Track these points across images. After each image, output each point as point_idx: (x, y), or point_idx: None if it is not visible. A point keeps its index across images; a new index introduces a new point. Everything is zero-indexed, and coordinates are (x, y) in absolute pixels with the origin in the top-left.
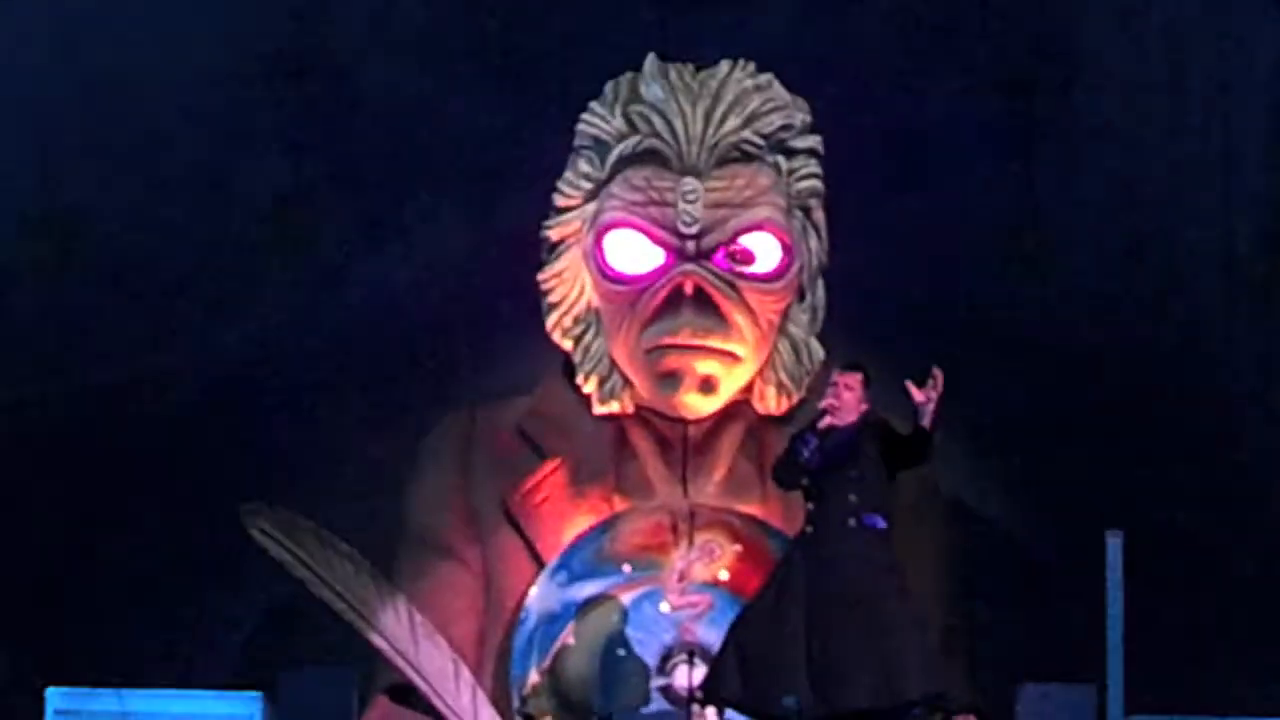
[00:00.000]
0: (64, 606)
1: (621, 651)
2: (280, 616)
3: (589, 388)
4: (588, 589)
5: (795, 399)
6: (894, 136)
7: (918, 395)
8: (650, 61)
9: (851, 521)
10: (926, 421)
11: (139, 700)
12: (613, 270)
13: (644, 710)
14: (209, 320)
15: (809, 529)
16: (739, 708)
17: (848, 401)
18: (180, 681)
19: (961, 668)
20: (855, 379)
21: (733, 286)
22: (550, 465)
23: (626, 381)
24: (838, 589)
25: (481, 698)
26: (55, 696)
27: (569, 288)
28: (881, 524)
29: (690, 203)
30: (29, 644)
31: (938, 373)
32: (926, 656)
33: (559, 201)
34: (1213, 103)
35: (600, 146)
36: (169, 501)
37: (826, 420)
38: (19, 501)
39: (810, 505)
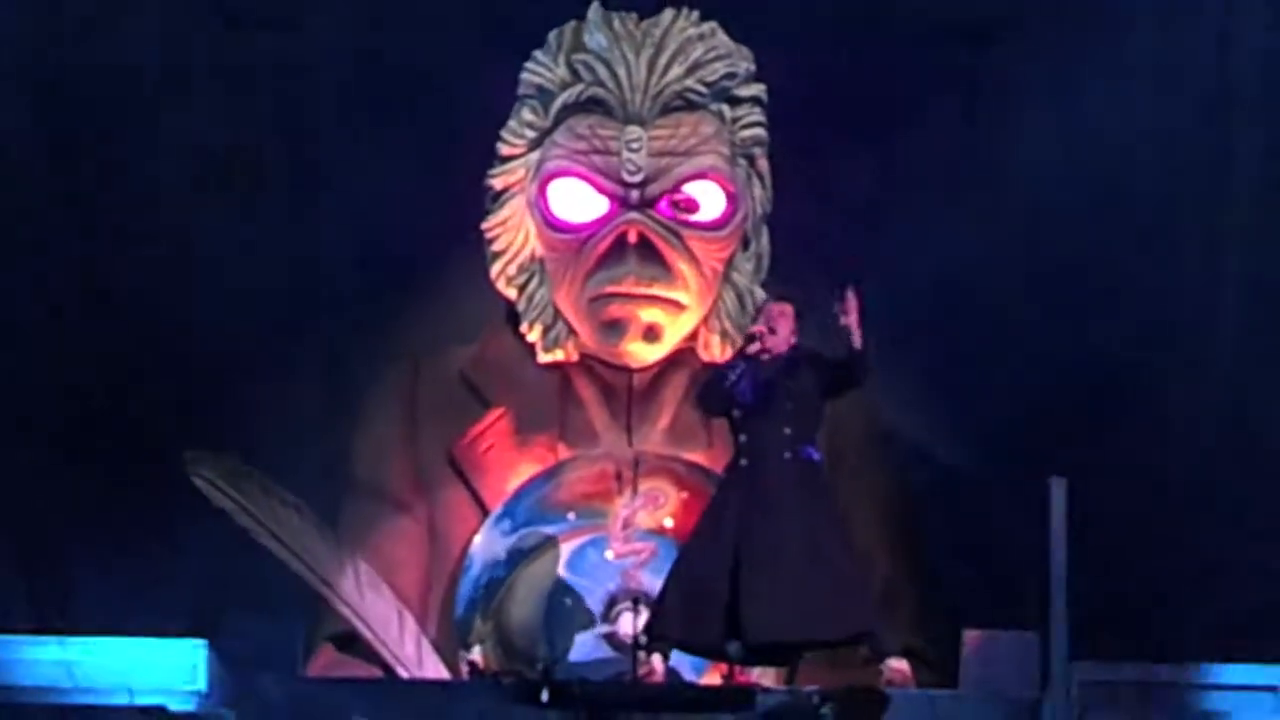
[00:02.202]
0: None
1: (565, 599)
2: (224, 564)
3: (533, 336)
4: (531, 537)
5: (739, 347)
6: (838, 85)
7: (842, 319)
8: (594, 10)
9: (787, 454)
10: (856, 341)
11: (80, 648)
12: (556, 219)
13: (588, 657)
14: (153, 267)
15: (743, 462)
16: (683, 648)
17: (780, 329)
18: (123, 629)
19: (905, 612)
20: (788, 308)
21: (677, 235)
22: (494, 414)
23: (571, 330)
24: (774, 521)
25: (426, 646)
26: None
27: (513, 236)
28: (816, 456)
29: (634, 151)
30: None
31: (849, 293)
32: (860, 594)
33: (503, 150)
34: (1164, 51)
35: (544, 95)
36: (112, 449)
37: (755, 346)
38: None
39: (743, 437)
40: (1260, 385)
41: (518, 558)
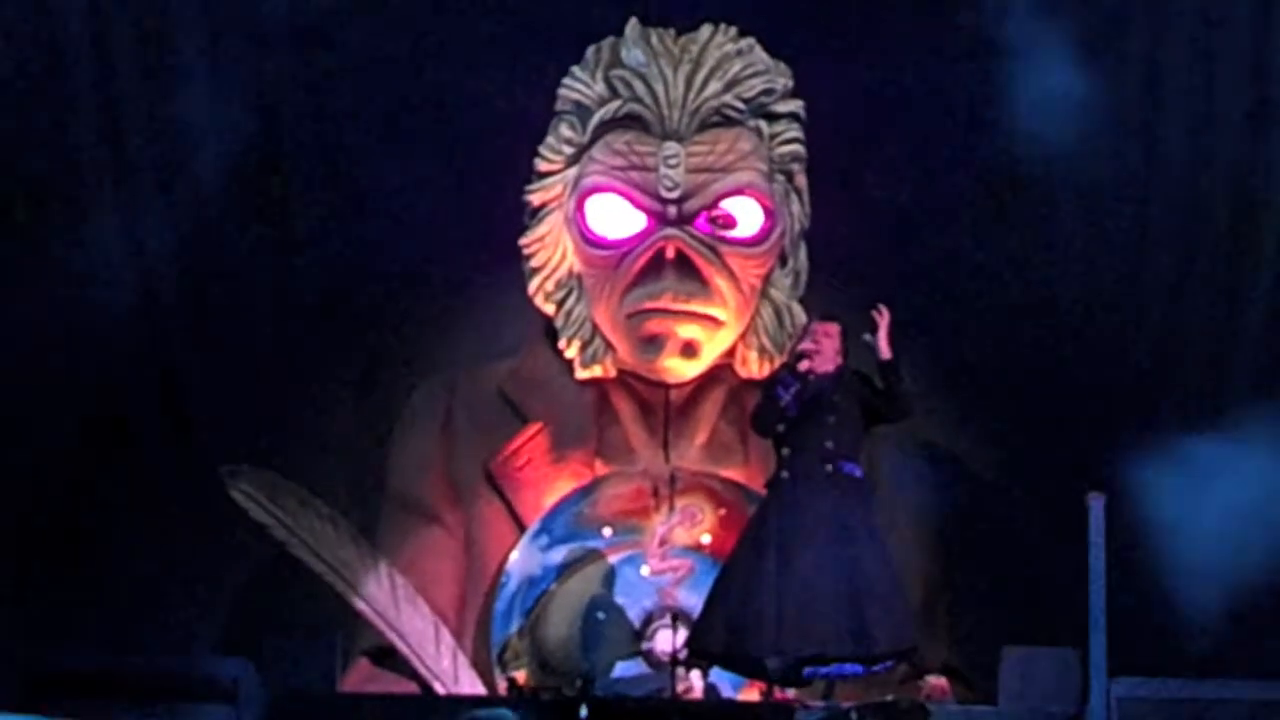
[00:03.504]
0: (43, 569)
1: (602, 615)
2: (264, 580)
3: (571, 352)
4: (568, 553)
5: (777, 363)
6: (873, 100)
7: (870, 339)
8: (632, 26)
9: (829, 468)
10: (884, 354)
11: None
12: (594, 235)
13: (626, 674)
14: (195, 282)
15: (784, 475)
16: (723, 664)
17: (825, 349)
18: (165, 647)
19: (940, 628)
20: (834, 329)
21: (714, 251)
22: (532, 429)
23: (608, 346)
24: (813, 534)
25: (462, 661)
26: None
27: (551, 252)
28: (858, 472)
29: (672, 167)
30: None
31: (882, 308)
32: (900, 610)
33: (540, 166)
34: (1190, 64)
35: (582, 111)
36: (148, 463)
37: (804, 364)
38: None
39: (785, 451)
40: None
41: (554, 574)
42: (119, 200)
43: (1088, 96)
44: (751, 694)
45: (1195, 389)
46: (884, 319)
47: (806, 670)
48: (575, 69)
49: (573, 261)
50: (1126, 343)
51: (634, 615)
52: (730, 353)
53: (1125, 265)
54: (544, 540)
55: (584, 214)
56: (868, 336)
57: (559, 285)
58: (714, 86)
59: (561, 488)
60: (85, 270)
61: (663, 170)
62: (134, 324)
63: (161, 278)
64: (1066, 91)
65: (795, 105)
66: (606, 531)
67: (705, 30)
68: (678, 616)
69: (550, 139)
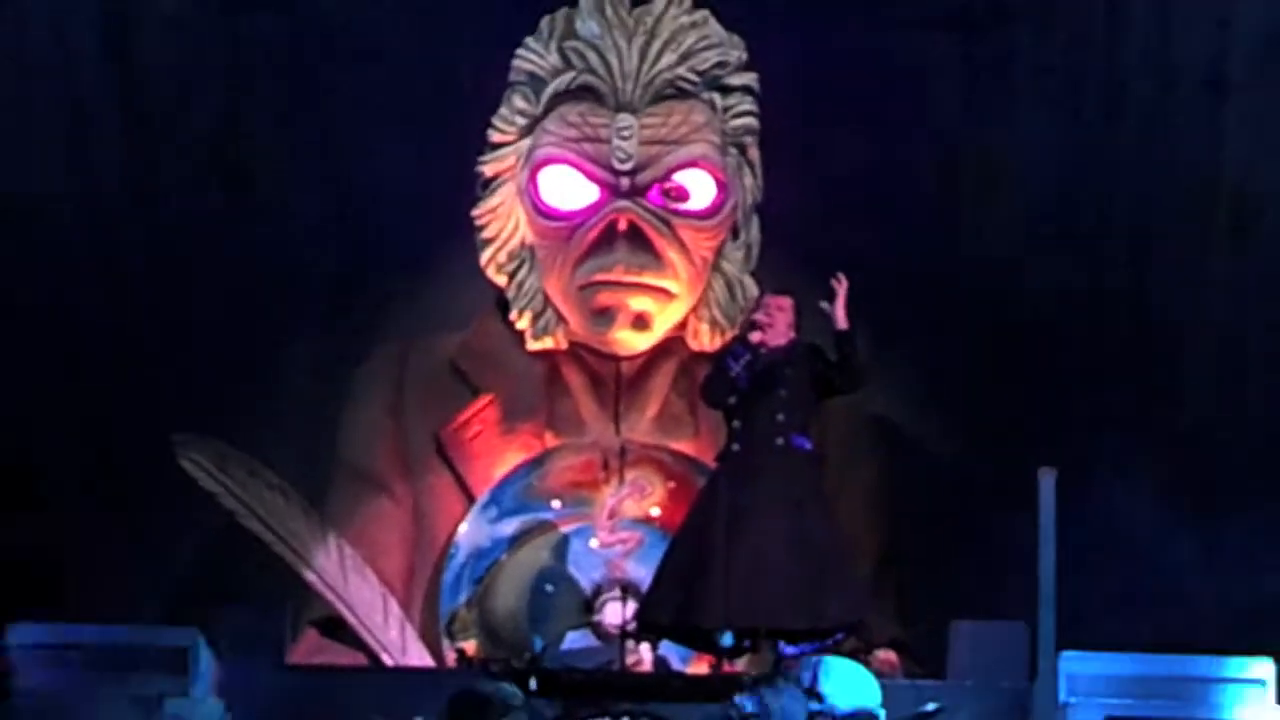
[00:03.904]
0: None
1: (550, 587)
2: (213, 550)
3: (522, 324)
4: (517, 525)
5: (729, 336)
6: (830, 73)
7: (826, 307)
8: None
9: (779, 440)
10: (840, 324)
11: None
12: (547, 206)
13: (575, 646)
14: (148, 253)
15: (735, 447)
16: (672, 637)
17: (778, 323)
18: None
19: (889, 601)
20: (786, 302)
21: (667, 223)
22: (482, 401)
23: (560, 318)
24: (764, 506)
25: (410, 632)
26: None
27: (503, 223)
28: (808, 445)
29: (625, 139)
30: None
31: (841, 276)
32: (851, 583)
33: (494, 137)
34: (1154, 41)
35: (535, 82)
36: (98, 433)
37: (756, 335)
38: None
39: (736, 424)
40: (1256, 375)
41: (503, 545)
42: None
43: (1058, 68)
44: (701, 666)
45: (1147, 367)
46: (841, 287)
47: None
48: (529, 40)
49: (525, 233)
50: (1082, 317)
51: (583, 587)
52: (682, 325)
53: (1085, 246)
54: (493, 512)
55: (536, 185)
56: (825, 305)
57: (511, 257)
58: (668, 59)
59: (511, 459)
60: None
61: (616, 142)
62: (90, 287)
63: (120, 242)
64: (1034, 65)
65: (749, 78)
66: (556, 503)
67: (659, 2)
68: (627, 589)
69: (503, 110)
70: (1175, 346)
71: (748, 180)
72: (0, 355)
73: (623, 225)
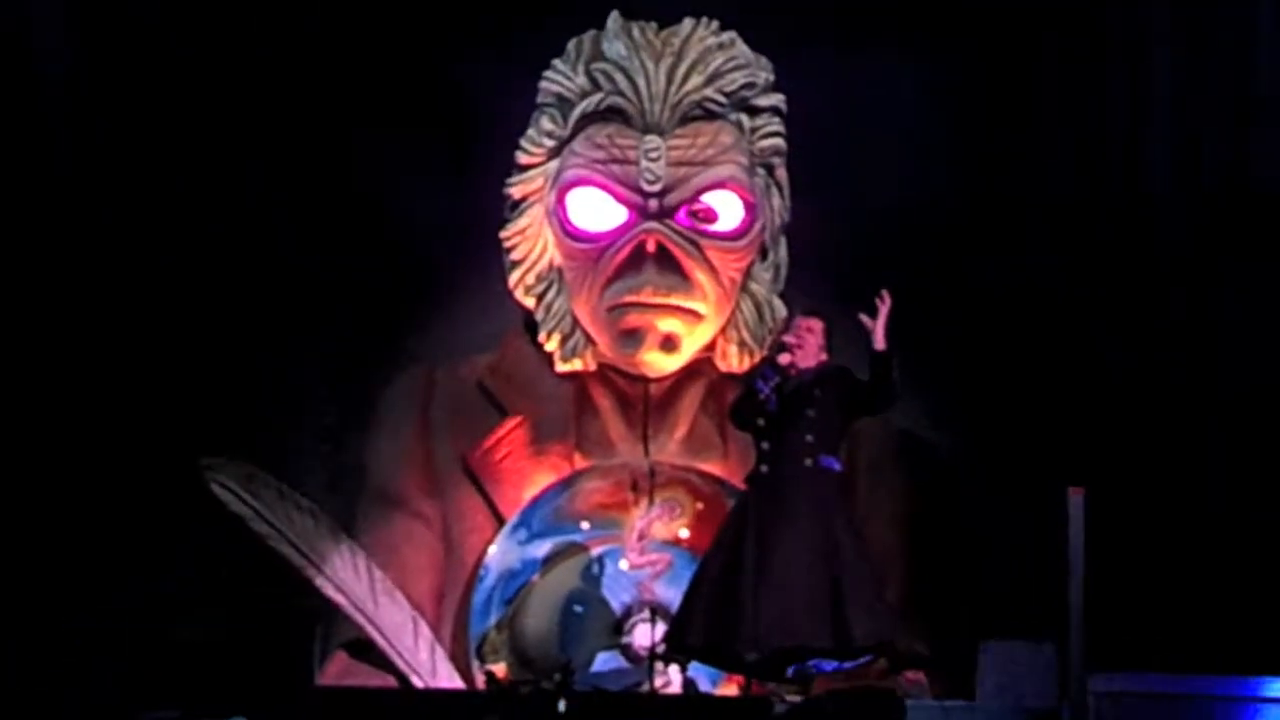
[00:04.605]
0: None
1: (580, 609)
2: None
3: (551, 345)
4: (547, 547)
5: (757, 357)
6: (854, 94)
7: (867, 322)
8: (613, 19)
9: (808, 461)
10: (879, 344)
11: None
12: (575, 228)
13: (605, 668)
14: (169, 273)
15: (763, 468)
16: (702, 659)
17: (808, 344)
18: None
19: (918, 622)
20: (817, 324)
21: (695, 245)
22: (511, 423)
23: (588, 339)
24: (792, 527)
25: (440, 654)
26: None
27: (531, 245)
28: (837, 467)
29: (653, 160)
30: None
31: (885, 294)
32: (878, 604)
33: (521, 159)
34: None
35: (563, 104)
36: (126, 457)
37: (785, 357)
38: None
39: (765, 445)
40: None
41: (533, 568)
42: None
43: (1075, 86)
44: (730, 688)
45: (1177, 381)
46: (884, 306)
47: (790, 667)
48: (556, 62)
49: (553, 255)
50: (1115, 336)
51: (613, 609)
52: (710, 347)
53: (1106, 262)
54: (522, 534)
55: (565, 207)
56: (866, 319)
57: (539, 279)
58: (695, 80)
59: (540, 481)
60: None
61: (644, 164)
62: (115, 309)
63: (144, 264)
64: (1050, 84)
65: (776, 99)
66: (585, 525)
67: (687, 24)
68: (656, 611)
69: (531, 132)
70: (1207, 361)
71: (775, 201)
72: (23, 378)
73: (651, 247)
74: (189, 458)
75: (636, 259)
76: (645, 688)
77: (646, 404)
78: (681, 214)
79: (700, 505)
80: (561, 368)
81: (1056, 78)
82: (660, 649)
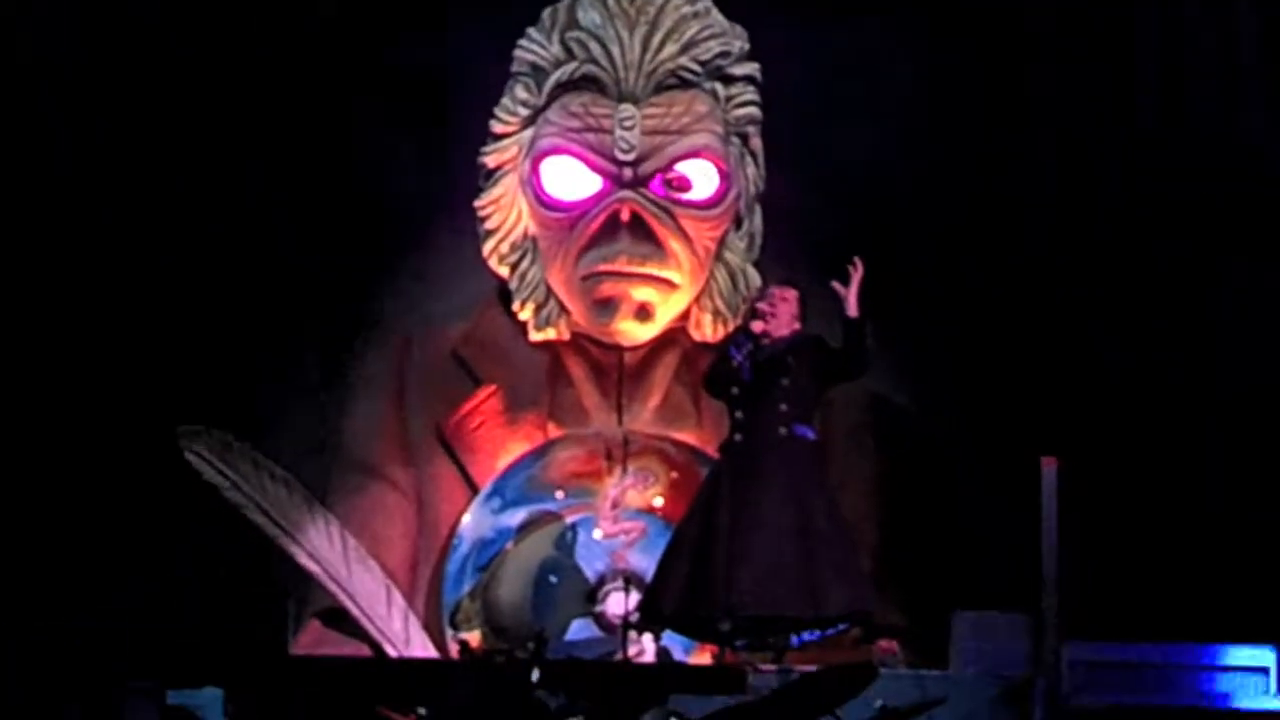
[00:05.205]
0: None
1: (554, 578)
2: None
3: (525, 314)
4: (520, 515)
5: (731, 326)
6: (829, 62)
7: (839, 289)
8: None
9: (782, 430)
10: (851, 311)
11: None
12: (549, 197)
13: (578, 637)
14: (145, 243)
15: (737, 437)
16: (676, 628)
17: (781, 314)
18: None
19: (892, 590)
20: (791, 293)
21: (669, 213)
22: (485, 391)
23: (563, 308)
24: (766, 495)
25: (414, 622)
26: None
27: (506, 214)
28: (811, 435)
29: (627, 129)
30: None
31: (857, 261)
32: (854, 572)
33: (496, 128)
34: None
35: (537, 73)
36: (102, 425)
37: (759, 325)
38: None
39: (739, 414)
40: (1257, 364)
41: (506, 536)
42: None
43: (1059, 63)
44: (704, 657)
45: (1146, 356)
46: (857, 273)
47: (766, 639)
48: (531, 30)
49: (527, 224)
50: (1088, 304)
51: (586, 578)
52: (684, 316)
53: (1088, 232)
54: (496, 502)
55: (539, 176)
56: (839, 286)
57: (514, 248)
58: (670, 49)
59: (514, 450)
60: None
61: (618, 132)
62: (89, 280)
63: (119, 235)
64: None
65: (751, 68)
66: (559, 494)
67: None
68: (630, 579)
69: (506, 100)
70: (1177, 327)
71: (750, 170)
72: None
73: (625, 215)
74: (166, 430)
75: (611, 228)
76: (619, 656)
77: (621, 373)
78: (656, 183)
79: (674, 474)
80: (536, 336)
81: (1045, 62)
82: (634, 618)
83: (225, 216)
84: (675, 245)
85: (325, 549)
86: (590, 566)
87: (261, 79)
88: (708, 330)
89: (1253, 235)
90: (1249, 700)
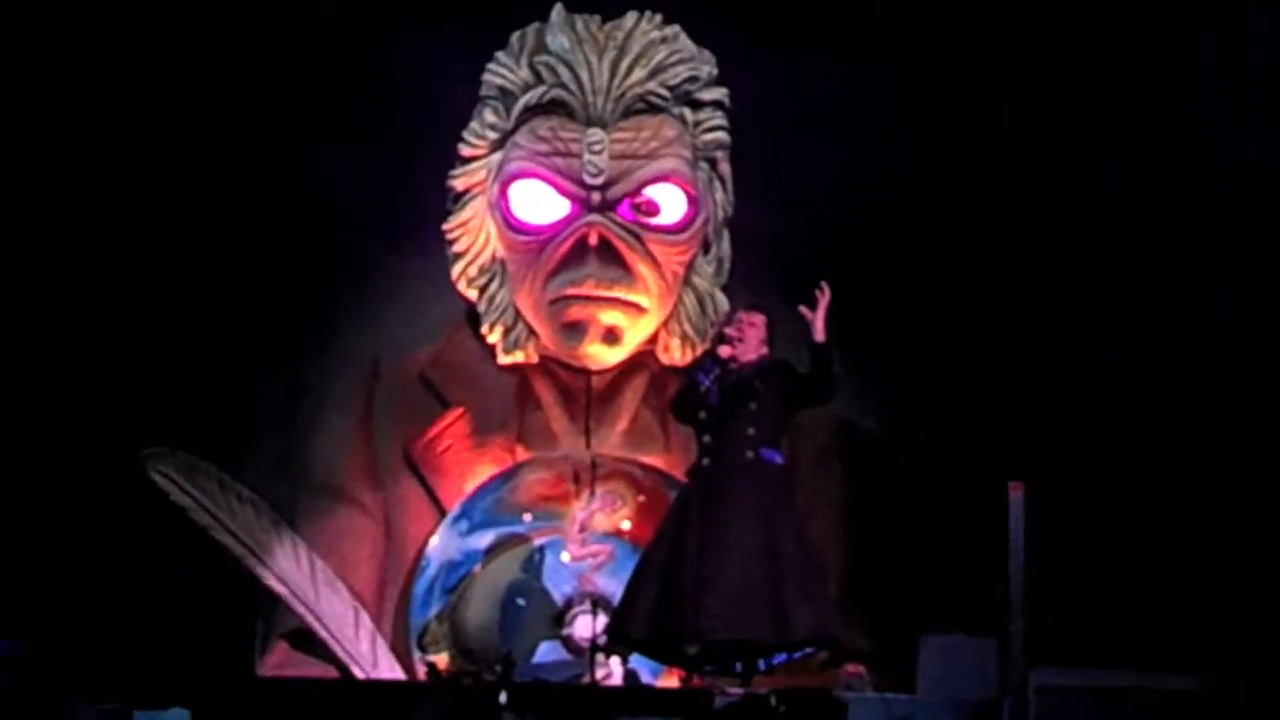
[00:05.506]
0: None
1: (521, 600)
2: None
3: (493, 337)
4: (488, 538)
5: (700, 350)
6: (797, 87)
7: (807, 314)
8: (557, 12)
9: (749, 454)
10: (819, 336)
11: None
12: (517, 220)
13: (546, 659)
14: (110, 262)
15: (705, 461)
16: (644, 651)
17: (750, 338)
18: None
19: (859, 614)
20: (759, 318)
21: (638, 238)
22: (453, 414)
23: (531, 332)
24: (733, 519)
25: (381, 645)
26: None
27: (474, 237)
28: (779, 459)
29: (596, 154)
30: None
31: (824, 286)
32: (821, 597)
33: (464, 151)
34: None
35: (506, 97)
36: (68, 446)
37: (727, 350)
38: None
39: (707, 439)
40: (1231, 385)
41: (474, 559)
42: None
43: (1027, 87)
44: (671, 680)
45: (1113, 381)
46: (824, 298)
47: (734, 663)
48: (500, 54)
49: (496, 247)
50: (1055, 327)
51: (554, 600)
52: (652, 340)
53: (1058, 255)
54: (464, 525)
55: (508, 199)
56: (806, 310)
57: (482, 271)
58: (639, 73)
59: (482, 473)
60: None
61: (586, 156)
62: (55, 298)
63: (86, 251)
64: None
65: (719, 93)
66: (527, 517)
67: (630, 17)
68: (597, 602)
69: (474, 124)
70: (1141, 361)
71: (719, 195)
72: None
73: (594, 240)
74: (133, 450)
75: (579, 252)
76: (586, 679)
77: (589, 396)
78: (624, 207)
79: (642, 498)
80: (504, 360)
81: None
82: (601, 641)
83: (189, 232)
84: (643, 269)
85: (293, 571)
86: (558, 589)
87: (227, 94)
88: (676, 354)
89: (1253, 235)
90: None
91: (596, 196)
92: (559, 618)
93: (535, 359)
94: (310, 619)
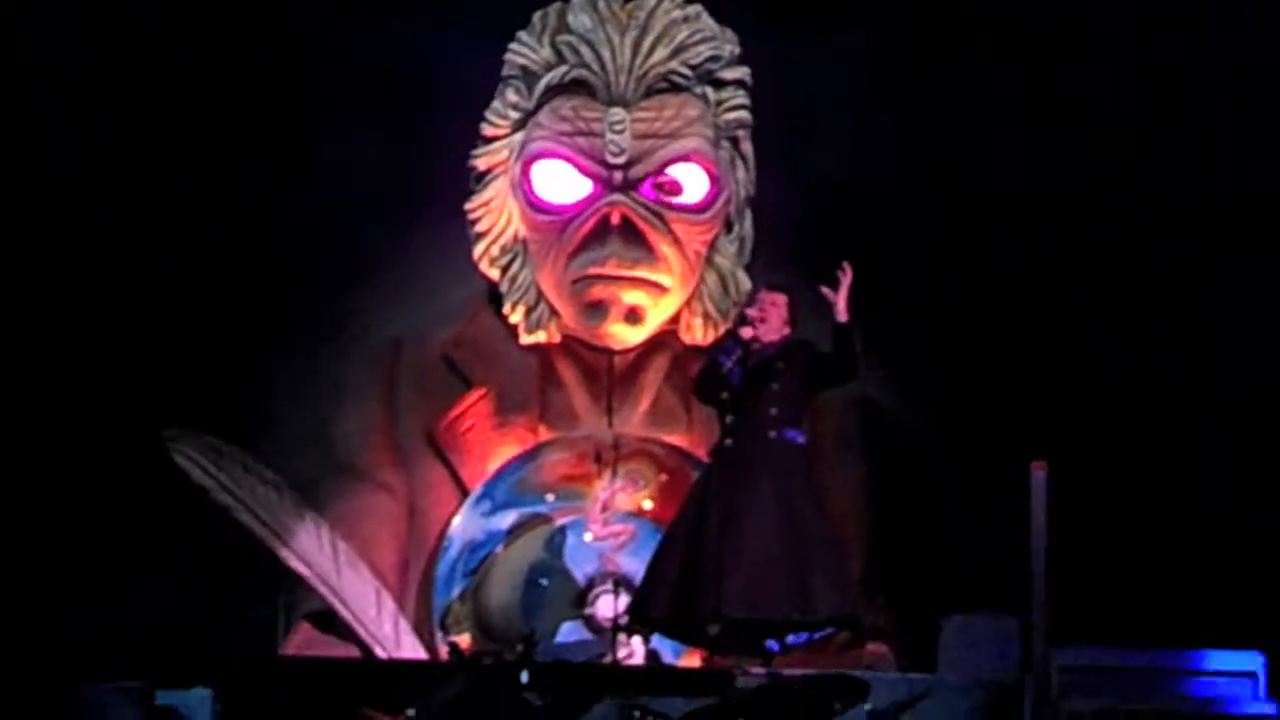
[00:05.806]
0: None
1: (544, 580)
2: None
3: (516, 317)
4: (510, 518)
5: (722, 330)
6: (819, 67)
7: (829, 294)
8: None
9: (771, 433)
10: (841, 316)
11: None
12: (540, 200)
13: (568, 639)
14: (134, 243)
15: (727, 441)
16: (665, 631)
17: (772, 319)
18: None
19: (881, 594)
20: (781, 299)
21: (660, 217)
22: (476, 394)
23: (553, 311)
24: (755, 499)
25: (404, 625)
26: None
27: (496, 217)
28: (800, 439)
29: (618, 133)
30: None
31: (846, 266)
32: (842, 576)
33: (486, 131)
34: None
35: (528, 76)
36: (92, 427)
37: (749, 331)
38: None
39: (729, 418)
40: (1247, 369)
41: (497, 539)
42: None
43: (1028, 66)
44: (693, 660)
45: (1136, 359)
46: (846, 278)
47: (757, 643)
48: (522, 34)
49: (518, 227)
50: (1080, 310)
51: (576, 580)
52: (675, 319)
53: (1079, 237)
54: (486, 505)
55: (530, 179)
56: (828, 291)
57: (504, 250)
58: (661, 53)
59: (505, 453)
60: None
61: (609, 136)
62: (80, 282)
63: (110, 238)
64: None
65: (741, 72)
66: (549, 497)
67: None
68: (619, 582)
69: (496, 104)
70: (1167, 333)
71: (740, 174)
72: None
73: (616, 219)
74: (156, 432)
75: (601, 231)
76: (608, 659)
77: (611, 376)
78: (646, 186)
79: (664, 477)
80: (526, 339)
81: (1043, 63)
82: (623, 621)
83: (211, 216)
84: (666, 249)
85: (315, 552)
86: (580, 569)
87: (257, 80)
88: (698, 334)
89: (1253, 235)
90: (1237, 705)
91: (619, 176)
92: (581, 598)
93: (557, 339)
94: (333, 600)
